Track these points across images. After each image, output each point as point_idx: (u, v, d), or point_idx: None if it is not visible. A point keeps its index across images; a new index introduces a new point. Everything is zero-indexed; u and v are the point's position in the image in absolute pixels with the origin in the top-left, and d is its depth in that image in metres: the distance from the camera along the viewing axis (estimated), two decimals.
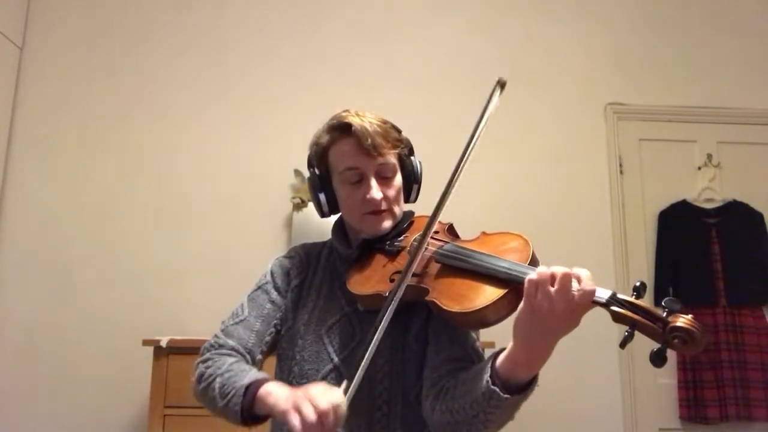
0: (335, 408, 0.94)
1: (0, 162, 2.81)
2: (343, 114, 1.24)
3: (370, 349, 1.01)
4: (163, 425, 2.21)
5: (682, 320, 0.85)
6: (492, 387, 0.93)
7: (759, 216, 2.96)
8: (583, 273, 0.90)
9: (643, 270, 2.93)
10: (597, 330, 2.85)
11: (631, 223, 2.98)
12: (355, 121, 1.20)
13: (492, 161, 2.92)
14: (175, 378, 2.23)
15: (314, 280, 1.29)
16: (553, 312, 0.89)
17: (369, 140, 1.18)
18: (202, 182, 2.87)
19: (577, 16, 3.18)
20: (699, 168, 3.05)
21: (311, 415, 0.93)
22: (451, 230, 1.24)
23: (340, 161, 1.23)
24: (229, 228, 2.83)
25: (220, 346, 1.22)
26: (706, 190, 3.01)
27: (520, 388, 0.94)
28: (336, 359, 1.17)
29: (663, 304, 0.88)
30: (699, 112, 3.09)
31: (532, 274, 0.92)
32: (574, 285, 0.89)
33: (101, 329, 2.70)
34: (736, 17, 3.22)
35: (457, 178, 1.12)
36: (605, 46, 3.15)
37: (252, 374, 1.12)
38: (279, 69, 3.00)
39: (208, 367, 1.18)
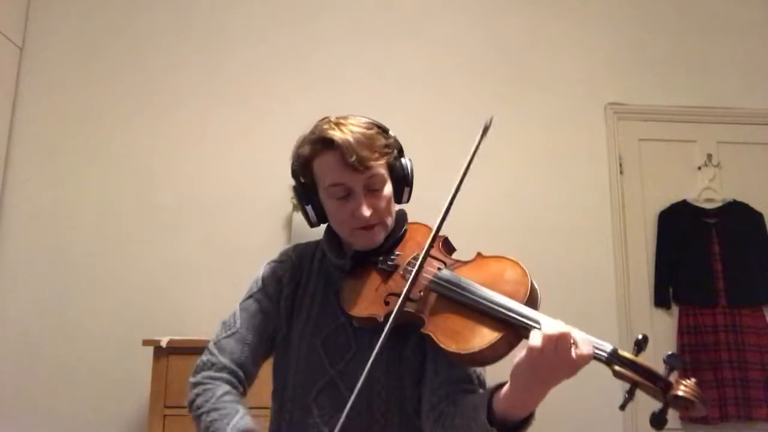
0: None
1: (0, 162, 2.81)
2: (324, 127, 1.17)
3: (355, 392, 0.99)
4: (163, 425, 2.21)
5: (683, 389, 0.85)
6: (490, 428, 0.93)
7: (759, 216, 2.96)
8: (580, 335, 0.90)
9: (643, 270, 2.93)
10: (597, 330, 2.86)
11: (631, 223, 2.98)
12: (336, 135, 1.13)
13: (492, 161, 2.92)
14: (175, 378, 2.22)
15: (308, 286, 1.26)
16: (552, 369, 0.89)
17: (353, 156, 1.11)
18: (202, 182, 2.87)
19: (577, 16, 3.18)
20: (699, 168, 3.05)
21: None
22: (446, 244, 1.20)
23: (326, 176, 1.17)
24: (229, 228, 2.83)
25: (212, 365, 1.19)
26: (706, 190, 3.01)
27: (517, 423, 0.95)
28: (332, 371, 1.16)
29: (664, 360, 0.87)
30: (699, 112, 3.09)
31: (534, 337, 0.90)
32: (573, 348, 0.89)
33: (101, 329, 2.69)
34: (736, 17, 3.22)
35: (451, 205, 1.08)
36: (605, 46, 3.15)
37: (234, 421, 1.09)
38: (279, 69, 3.00)
39: (198, 395, 1.16)
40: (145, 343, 2.29)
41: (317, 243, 1.32)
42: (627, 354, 0.89)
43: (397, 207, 1.25)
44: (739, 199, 2.98)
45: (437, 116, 2.98)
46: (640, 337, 0.90)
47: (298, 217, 2.77)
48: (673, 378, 0.85)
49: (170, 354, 2.25)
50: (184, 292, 2.73)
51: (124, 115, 2.92)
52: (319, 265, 1.28)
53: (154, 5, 3.04)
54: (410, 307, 1.08)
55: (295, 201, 2.77)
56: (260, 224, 2.83)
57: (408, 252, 1.19)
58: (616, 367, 0.88)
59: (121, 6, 3.03)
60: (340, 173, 1.14)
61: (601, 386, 2.83)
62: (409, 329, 1.13)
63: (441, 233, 1.16)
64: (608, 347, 0.90)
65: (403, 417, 1.14)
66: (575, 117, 3.07)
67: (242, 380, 1.19)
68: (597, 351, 0.89)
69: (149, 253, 2.79)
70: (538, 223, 2.86)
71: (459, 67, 3.07)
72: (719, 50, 3.18)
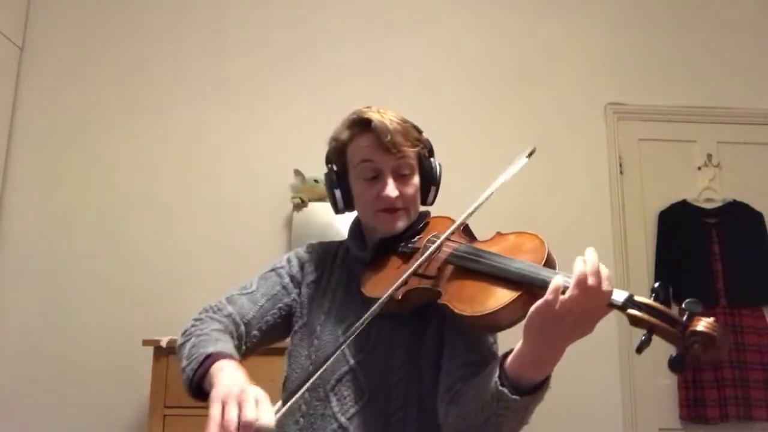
0: (259, 427, 0.88)
1: (0, 162, 2.81)
2: (364, 110, 1.22)
3: (338, 349, 1.00)
4: (163, 425, 2.21)
5: (703, 324, 0.81)
6: (500, 388, 0.90)
7: (759, 216, 2.96)
8: (604, 271, 0.87)
9: (643, 270, 2.93)
10: (597, 330, 2.85)
11: (631, 223, 2.98)
12: (375, 117, 1.18)
13: (492, 161, 2.91)
14: (175, 378, 2.21)
15: (331, 279, 1.27)
16: (570, 314, 0.86)
17: (389, 137, 1.16)
18: (203, 182, 2.87)
19: (577, 15, 3.18)
20: (699, 168, 3.05)
21: (232, 418, 0.88)
22: (466, 230, 1.22)
23: (357, 155, 1.21)
24: (229, 228, 2.83)
25: (219, 310, 1.21)
26: (706, 190, 3.01)
27: (531, 389, 0.92)
28: (352, 361, 1.16)
29: (683, 306, 0.84)
30: (699, 112, 3.09)
31: (556, 279, 0.88)
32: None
33: (101, 329, 2.69)
34: (736, 17, 3.22)
35: (484, 201, 1.13)
36: (605, 46, 3.15)
37: (220, 346, 1.08)
38: (280, 69, 3.00)
39: (194, 326, 1.17)
40: (145, 343, 2.29)
41: (340, 242, 1.35)
42: (644, 298, 0.87)
43: (422, 209, 1.29)
44: (739, 199, 2.98)
45: (437, 116, 2.98)
46: (656, 284, 0.88)
47: (298, 217, 2.76)
48: (692, 322, 0.82)
49: (170, 354, 2.24)
50: (184, 292, 2.72)
51: (125, 115, 2.92)
52: (342, 261, 1.30)
53: (155, 5, 3.04)
54: (426, 284, 1.08)
55: (295, 201, 2.78)
56: (260, 224, 2.83)
57: (426, 239, 1.20)
58: (632, 311, 0.85)
59: (121, 6, 3.03)
60: (372, 152, 1.19)
61: (601, 386, 2.85)
62: (428, 316, 1.14)
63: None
64: (625, 293, 0.88)
65: (422, 410, 1.12)
66: (575, 117, 3.07)
67: (242, 336, 1.18)
68: (613, 298, 0.87)
69: (149, 253, 2.79)
70: (537, 223, 2.82)
71: (459, 67, 3.07)
72: (719, 50, 3.18)
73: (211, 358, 1.05)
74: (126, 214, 2.83)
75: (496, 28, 3.14)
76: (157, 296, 2.72)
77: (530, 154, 1.23)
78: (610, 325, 2.84)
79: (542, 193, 2.95)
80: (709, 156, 3.05)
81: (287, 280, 1.27)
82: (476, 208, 1.13)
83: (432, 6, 3.14)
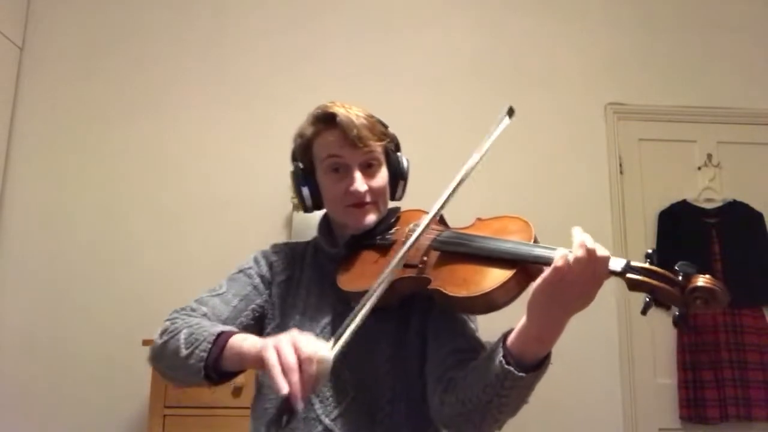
0: (320, 359, 0.86)
1: (0, 162, 2.81)
2: (329, 104, 1.21)
3: (363, 310, 0.96)
4: (163, 425, 2.21)
5: (702, 280, 0.84)
6: (507, 366, 0.90)
7: (759, 216, 2.95)
8: (599, 249, 0.89)
9: None
10: (597, 330, 2.86)
11: (631, 223, 2.98)
12: (340, 111, 1.17)
13: (492, 161, 2.91)
14: None
15: (302, 278, 1.24)
16: (575, 283, 0.87)
17: (354, 131, 1.15)
18: (202, 182, 2.87)
19: (577, 16, 3.18)
20: (699, 168, 3.04)
21: (291, 357, 0.85)
22: (442, 221, 1.20)
23: (324, 151, 1.20)
24: (229, 228, 2.83)
25: (193, 310, 1.16)
26: (706, 190, 3.01)
27: (534, 366, 0.92)
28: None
29: (677, 268, 0.87)
30: (699, 112, 3.09)
31: (559, 249, 0.90)
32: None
33: (101, 329, 2.69)
34: (736, 17, 3.22)
35: (464, 179, 1.11)
36: (605, 46, 3.15)
37: (227, 327, 1.05)
38: (279, 69, 3.00)
39: (174, 322, 1.12)
40: (145, 343, 2.28)
41: (307, 242, 1.33)
42: (640, 263, 0.89)
43: (391, 204, 1.26)
44: (739, 199, 2.98)
45: (437, 116, 2.98)
46: (650, 251, 0.91)
47: (298, 216, 2.76)
48: (689, 280, 0.85)
49: None
50: (184, 292, 2.70)
51: (125, 115, 2.92)
52: (312, 260, 1.28)
53: (155, 6, 3.04)
54: (411, 272, 1.07)
55: (295, 201, 2.78)
56: (260, 224, 2.82)
57: (405, 230, 1.19)
58: (631, 275, 0.87)
59: (121, 5, 3.03)
60: (339, 147, 1.17)
61: (601, 386, 2.84)
62: (411, 308, 1.12)
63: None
64: (623, 260, 0.90)
65: (411, 403, 1.11)
66: (575, 117, 3.07)
67: None
68: (612, 266, 0.89)
69: (149, 252, 2.79)
70: (537, 223, 2.84)
71: (459, 67, 3.06)
72: (719, 50, 3.18)
73: (224, 335, 1.01)
74: (126, 214, 2.83)
75: (496, 28, 3.14)
76: (157, 296, 2.72)
77: (510, 114, 1.22)
78: (611, 325, 2.84)
79: (542, 192, 2.95)
80: (709, 156, 3.05)
81: (257, 280, 1.24)
82: (465, 177, 1.10)
83: (432, 6, 3.14)
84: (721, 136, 3.08)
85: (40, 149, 2.88)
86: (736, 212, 2.96)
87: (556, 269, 0.87)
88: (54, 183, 2.85)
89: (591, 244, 0.88)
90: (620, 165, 3.03)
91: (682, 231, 2.94)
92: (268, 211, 2.84)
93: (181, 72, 2.98)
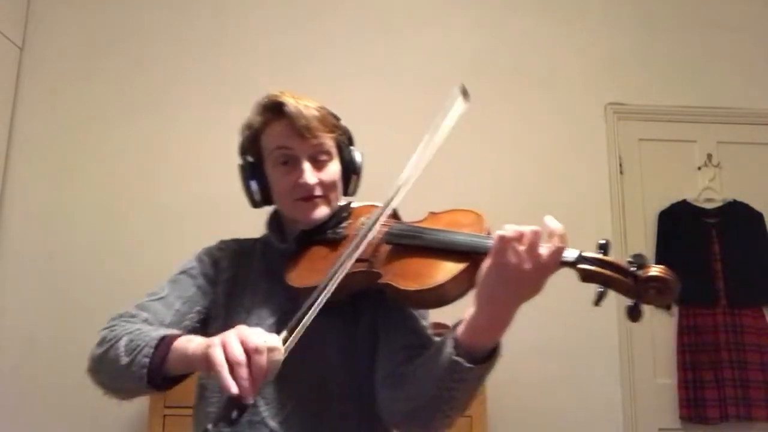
0: (270, 349, 0.82)
1: (0, 162, 2.81)
2: (277, 94, 1.18)
3: (317, 302, 0.92)
4: (163, 425, 2.21)
5: (655, 269, 0.83)
6: (455, 358, 0.88)
7: (759, 216, 2.95)
8: (557, 230, 0.88)
9: None
10: (597, 330, 2.86)
11: (631, 223, 2.98)
12: (289, 101, 1.14)
13: (492, 161, 2.92)
14: None
15: (249, 275, 1.20)
16: (520, 271, 0.85)
17: (303, 121, 1.11)
18: (202, 182, 2.87)
19: (577, 16, 3.18)
20: (699, 168, 3.04)
21: (238, 350, 0.81)
22: (395, 214, 1.16)
23: (272, 142, 1.15)
24: (230, 228, 2.80)
25: (133, 316, 1.10)
26: (706, 190, 3.01)
27: (483, 358, 0.89)
28: None
29: (630, 259, 0.86)
30: (699, 112, 3.09)
31: (502, 232, 0.87)
32: (543, 243, 0.87)
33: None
34: (736, 17, 3.22)
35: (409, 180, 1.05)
36: (605, 46, 3.15)
37: (170, 330, 1.00)
38: (279, 69, 3.00)
39: (112, 330, 1.06)
40: None
41: (256, 238, 1.30)
42: (593, 254, 0.88)
43: (344, 201, 1.23)
44: (739, 199, 2.98)
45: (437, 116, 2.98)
46: (603, 241, 0.89)
47: None
48: (642, 271, 0.84)
49: None
50: None
51: (125, 115, 2.92)
52: (260, 256, 1.24)
53: (155, 5, 3.04)
54: (361, 267, 1.04)
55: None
56: (260, 224, 2.81)
57: (357, 224, 1.16)
58: (585, 266, 0.86)
59: (121, 5, 3.03)
60: (287, 138, 1.13)
61: (601, 386, 2.84)
62: (361, 304, 1.10)
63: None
64: (576, 250, 0.88)
65: (361, 402, 1.07)
66: (575, 117, 3.07)
67: None
68: (564, 256, 0.87)
69: (149, 252, 2.78)
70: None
71: (459, 67, 3.06)
72: (719, 50, 3.18)
73: (167, 339, 0.97)
74: (126, 213, 2.83)
75: (496, 28, 3.14)
76: None
77: (464, 94, 1.16)
78: (611, 325, 2.84)
79: (542, 192, 2.94)
80: (709, 156, 3.05)
81: (201, 280, 1.19)
82: (416, 168, 1.05)
83: (432, 6, 3.14)
84: (721, 136, 3.08)
85: (40, 149, 2.88)
86: (736, 212, 2.96)
87: (501, 237, 0.86)
88: (54, 183, 2.85)
89: (531, 239, 0.86)
90: (620, 165, 3.03)
91: (682, 231, 2.94)
92: (268, 211, 2.83)
93: (181, 72, 2.98)
